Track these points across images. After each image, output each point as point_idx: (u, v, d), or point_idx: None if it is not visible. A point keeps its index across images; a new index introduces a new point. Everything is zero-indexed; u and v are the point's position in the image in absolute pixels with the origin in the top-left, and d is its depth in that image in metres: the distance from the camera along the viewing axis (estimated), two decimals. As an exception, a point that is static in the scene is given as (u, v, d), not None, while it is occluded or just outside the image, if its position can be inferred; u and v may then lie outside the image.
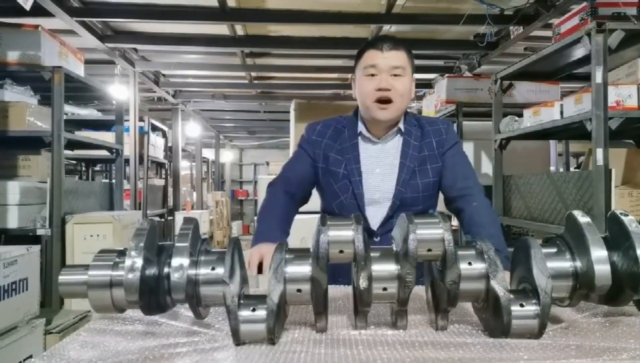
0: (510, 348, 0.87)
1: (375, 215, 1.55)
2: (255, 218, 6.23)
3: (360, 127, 1.61)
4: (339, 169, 1.58)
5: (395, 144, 1.60)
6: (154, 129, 6.20)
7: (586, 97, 2.53)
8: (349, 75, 5.65)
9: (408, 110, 1.64)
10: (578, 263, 0.96)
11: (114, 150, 4.24)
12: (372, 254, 0.95)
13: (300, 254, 0.97)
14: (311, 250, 0.96)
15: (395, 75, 1.51)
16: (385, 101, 1.51)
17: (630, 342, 0.90)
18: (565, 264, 0.97)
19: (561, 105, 2.83)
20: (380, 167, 1.58)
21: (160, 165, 6.96)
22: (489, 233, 1.36)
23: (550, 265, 0.94)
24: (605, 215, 2.24)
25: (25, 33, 3.29)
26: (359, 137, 1.61)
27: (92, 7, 4.16)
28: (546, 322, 0.91)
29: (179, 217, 7.04)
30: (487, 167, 4.06)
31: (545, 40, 4.25)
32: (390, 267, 0.94)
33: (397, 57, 1.52)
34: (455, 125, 4.14)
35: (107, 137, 4.52)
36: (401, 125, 1.60)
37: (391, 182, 1.56)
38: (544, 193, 2.97)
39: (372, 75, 1.52)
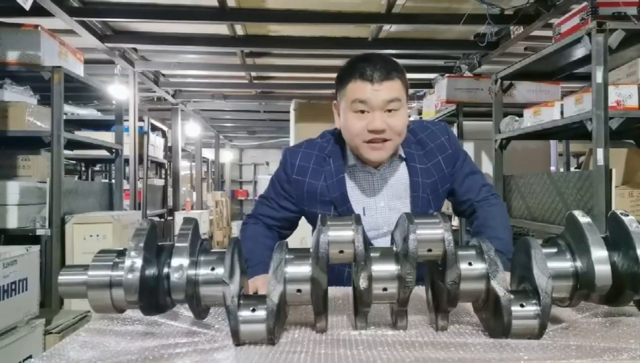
0: (511, 349, 0.87)
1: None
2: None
3: (352, 159, 1.41)
4: (329, 212, 1.40)
5: (398, 172, 1.43)
6: (154, 128, 6.20)
7: (586, 97, 2.53)
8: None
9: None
10: (578, 264, 0.96)
11: (114, 150, 4.24)
12: (372, 254, 0.95)
13: (300, 254, 0.97)
14: (311, 250, 0.96)
15: (389, 110, 1.28)
16: (378, 141, 1.30)
17: (630, 342, 0.90)
18: (565, 264, 0.97)
19: (561, 105, 2.83)
20: (385, 200, 1.41)
21: (160, 165, 6.96)
22: (497, 236, 1.32)
23: (550, 265, 0.94)
24: (606, 215, 2.25)
25: (24, 33, 3.29)
26: (353, 168, 1.43)
27: (91, 7, 4.16)
28: (546, 322, 0.91)
29: (179, 217, 7.05)
30: (487, 167, 4.06)
31: (546, 40, 4.25)
32: (390, 267, 0.94)
33: (391, 89, 1.27)
34: (455, 125, 4.15)
35: (107, 137, 4.52)
36: (400, 151, 1.41)
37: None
38: (544, 193, 2.97)
39: (362, 111, 1.29)
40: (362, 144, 1.32)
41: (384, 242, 1.41)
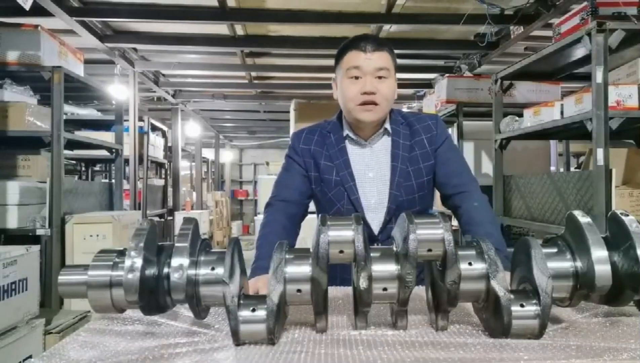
0: (511, 349, 0.87)
1: (374, 220, 1.50)
2: (256, 218, 6.23)
3: (346, 130, 1.56)
4: (330, 176, 1.53)
5: (383, 145, 1.55)
6: (154, 128, 6.20)
7: (586, 97, 2.53)
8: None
9: (406, 109, 1.59)
10: (578, 264, 0.96)
11: (114, 150, 4.24)
12: (372, 254, 0.95)
13: (300, 254, 0.97)
14: (311, 250, 0.96)
15: (379, 77, 1.45)
16: (369, 103, 1.46)
17: (630, 342, 0.90)
18: (565, 264, 0.97)
19: (561, 105, 2.83)
20: (372, 171, 1.53)
21: (160, 165, 6.96)
22: (487, 232, 1.35)
23: (550, 265, 0.94)
24: (606, 215, 2.25)
25: (24, 33, 3.29)
26: (346, 141, 1.56)
27: (91, 7, 4.16)
28: (546, 322, 0.91)
29: (179, 217, 7.05)
30: (487, 167, 4.06)
31: (546, 40, 4.25)
32: (390, 267, 0.94)
33: (381, 59, 1.45)
34: (455, 125, 4.14)
35: (107, 137, 4.52)
36: (387, 126, 1.55)
37: (385, 186, 1.51)
38: (544, 193, 2.97)
39: (356, 77, 1.46)
40: (356, 107, 1.47)
41: (373, 216, 1.50)
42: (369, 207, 1.51)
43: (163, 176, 7.07)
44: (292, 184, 1.57)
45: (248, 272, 1.14)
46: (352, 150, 1.56)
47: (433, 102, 4.67)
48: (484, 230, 1.36)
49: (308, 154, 1.56)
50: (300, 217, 1.58)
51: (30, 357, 2.41)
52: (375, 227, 1.51)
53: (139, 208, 5.59)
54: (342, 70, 1.50)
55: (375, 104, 1.45)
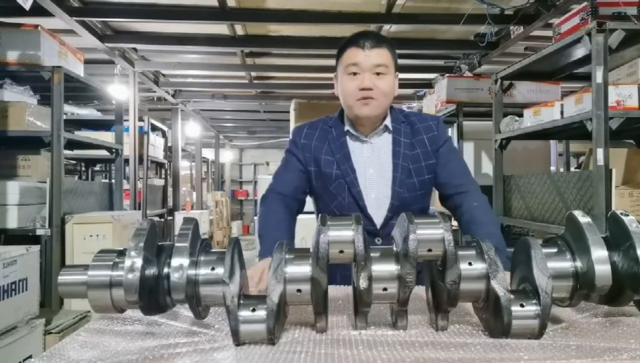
0: (511, 349, 0.87)
1: (375, 215, 1.52)
2: (256, 218, 6.24)
3: (347, 126, 1.59)
4: (331, 170, 1.55)
5: (384, 142, 1.58)
6: (154, 128, 6.20)
7: (586, 97, 2.53)
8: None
9: (406, 109, 1.60)
10: (578, 264, 0.96)
11: (114, 150, 4.24)
12: (372, 254, 0.95)
13: (300, 254, 0.97)
14: (311, 250, 0.96)
15: (378, 73, 1.48)
16: (367, 98, 1.49)
17: (630, 342, 0.90)
18: (565, 264, 0.97)
19: (561, 105, 2.83)
20: (373, 167, 1.56)
21: (160, 165, 6.96)
22: (488, 232, 1.35)
23: (550, 265, 0.94)
24: (606, 215, 2.25)
25: (24, 33, 3.29)
26: (347, 136, 1.59)
27: (91, 7, 4.16)
28: (546, 322, 0.91)
29: (179, 217, 7.05)
30: (487, 167, 4.06)
31: (546, 40, 4.25)
32: (390, 267, 0.94)
33: (379, 55, 1.48)
34: (455, 125, 4.14)
35: (107, 137, 4.52)
36: (388, 123, 1.58)
37: (385, 182, 1.54)
38: (544, 193, 2.97)
39: (354, 73, 1.49)
40: (355, 102, 1.50)
41: (374, 211, 1.53)
42: (369, 202, 1.53)
43: (163, 176, 7.07)
44: (289, 179, 1.61)
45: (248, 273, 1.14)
46: (352, 145, 1.58)
47: (433, 102, 4.67)
48: (485, 230, 1.38)
49: (309, 149, 1.59)
50: (296, 210, 1.62)
51: (30, 357, 2.41)
52: (378, 222, 1.52)
53: (139, 208, 5.59)
54: (342, 66, 1.53)
55: (372, 98, 1.48)
